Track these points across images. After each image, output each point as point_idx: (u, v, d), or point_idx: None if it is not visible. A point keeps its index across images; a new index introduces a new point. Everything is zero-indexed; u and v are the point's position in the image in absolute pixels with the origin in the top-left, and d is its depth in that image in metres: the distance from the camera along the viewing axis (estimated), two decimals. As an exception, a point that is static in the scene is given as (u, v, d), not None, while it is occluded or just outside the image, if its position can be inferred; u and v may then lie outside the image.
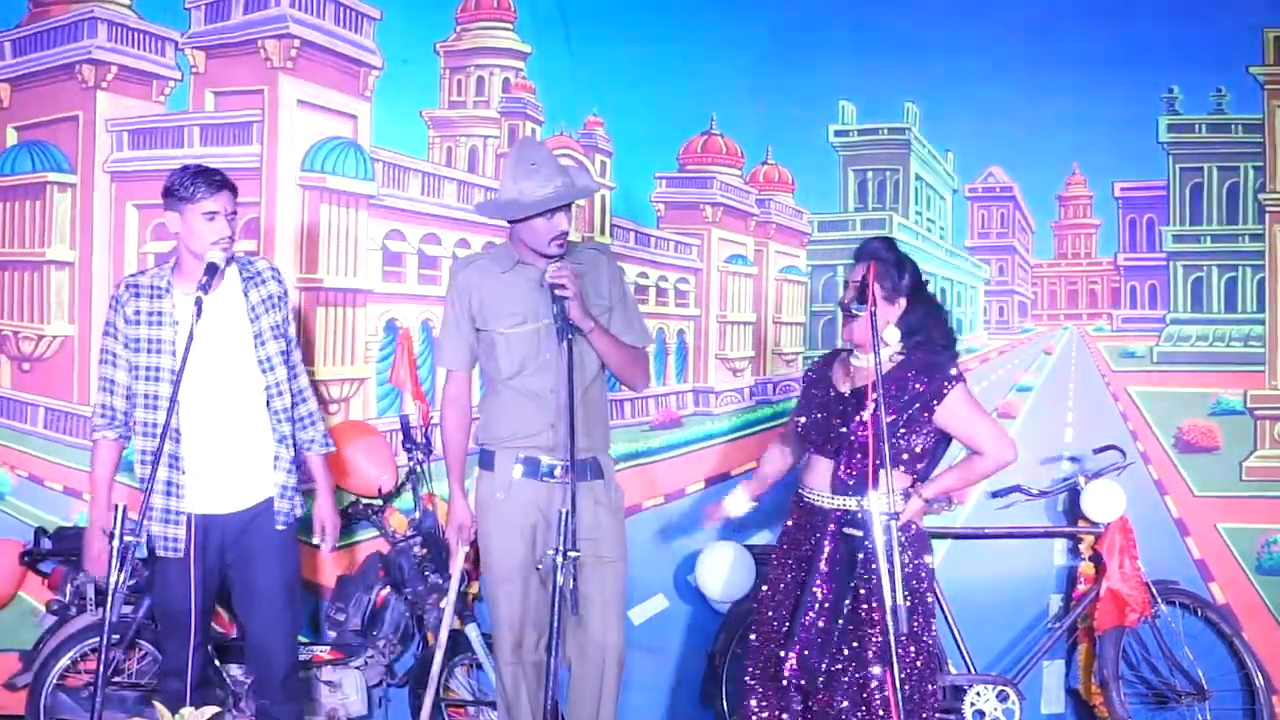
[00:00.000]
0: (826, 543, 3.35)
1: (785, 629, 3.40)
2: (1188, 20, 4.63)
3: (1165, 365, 4.73)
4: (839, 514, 3.37)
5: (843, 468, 3.35)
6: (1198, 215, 4.76)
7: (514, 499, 3.53)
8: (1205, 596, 4.50)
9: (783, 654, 3.35)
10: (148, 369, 3.49)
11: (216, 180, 3.42)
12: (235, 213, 3.47)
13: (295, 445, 3.65)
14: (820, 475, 3.45)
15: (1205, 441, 4.67)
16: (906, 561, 3.32)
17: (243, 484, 3.55)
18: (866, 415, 3.28)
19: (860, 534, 3.28)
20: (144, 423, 3.50)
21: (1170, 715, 4.41)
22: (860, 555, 3.27)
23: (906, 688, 3.25)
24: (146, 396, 3.49)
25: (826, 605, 3.32)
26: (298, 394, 3.67)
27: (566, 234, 3.49)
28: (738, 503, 3.83)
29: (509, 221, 3.55)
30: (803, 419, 3.54)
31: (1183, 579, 4.49)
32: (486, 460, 3.61)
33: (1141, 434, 4.69)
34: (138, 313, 3.50)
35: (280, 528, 3.57)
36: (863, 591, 3.29)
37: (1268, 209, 4.71)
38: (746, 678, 3.52)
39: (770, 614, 3.48)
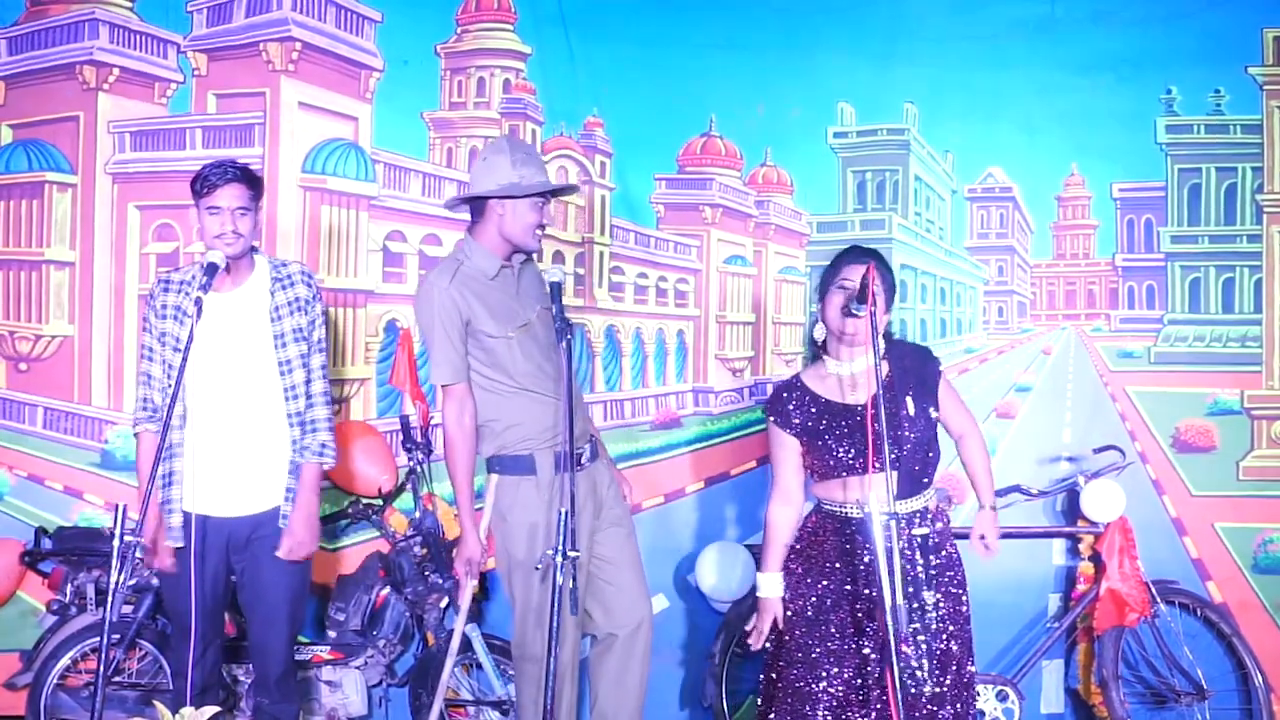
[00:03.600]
0: (906, 549, 3.21)
1: (834, 649, 3.25)
2: (1186, 21, 4.64)
3: (1163, 365, 4.75)
4: (907, 517, 3.26)
5: (913, 468, 3.25)
6: (1195, 216, 4.77)
7: (551, 494, 3.49)
8: (1204, 596, 4.51)
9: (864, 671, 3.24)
10: (166, 364, 3.49)
11: (227, 174, 3.38)
12: (248, 209, 3.42)
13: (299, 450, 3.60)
14: (867, 490, 3.23)
15: (1202, 441, 4.69)
16: (954, 552, 3.33)
17: (253, 487, 3.51)
18: (911, 409, 3.26)
19: (940, 527, 3.30)
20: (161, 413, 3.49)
21: (1169, 715, 4.41)
22: (932, 553, 3.25)
23: (953, 676, 3.24)
24: (164, 392, 3.48)
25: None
26: (309, 398, 3.58)
27: (545, 229, 3.59)
28: (773, 585, 3.38)
29: (471, 212, 3.56)
30: (829, 457, 3.30)
31: (1180, 578, 4.50)
32: (523, 466, 3.51)
33: (1139, 434, 4.70)
34: (165, 306, 3.50)
35: None
36: (949, 587, 3.28)
37: (1265, 210, 4.73)
38: (775, 700, 3.35)
39: (807, 631, 3.30)
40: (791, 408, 3.36)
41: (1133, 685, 4.46)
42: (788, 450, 3.39)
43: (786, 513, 3.42)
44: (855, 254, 3.37)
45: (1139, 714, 4.43)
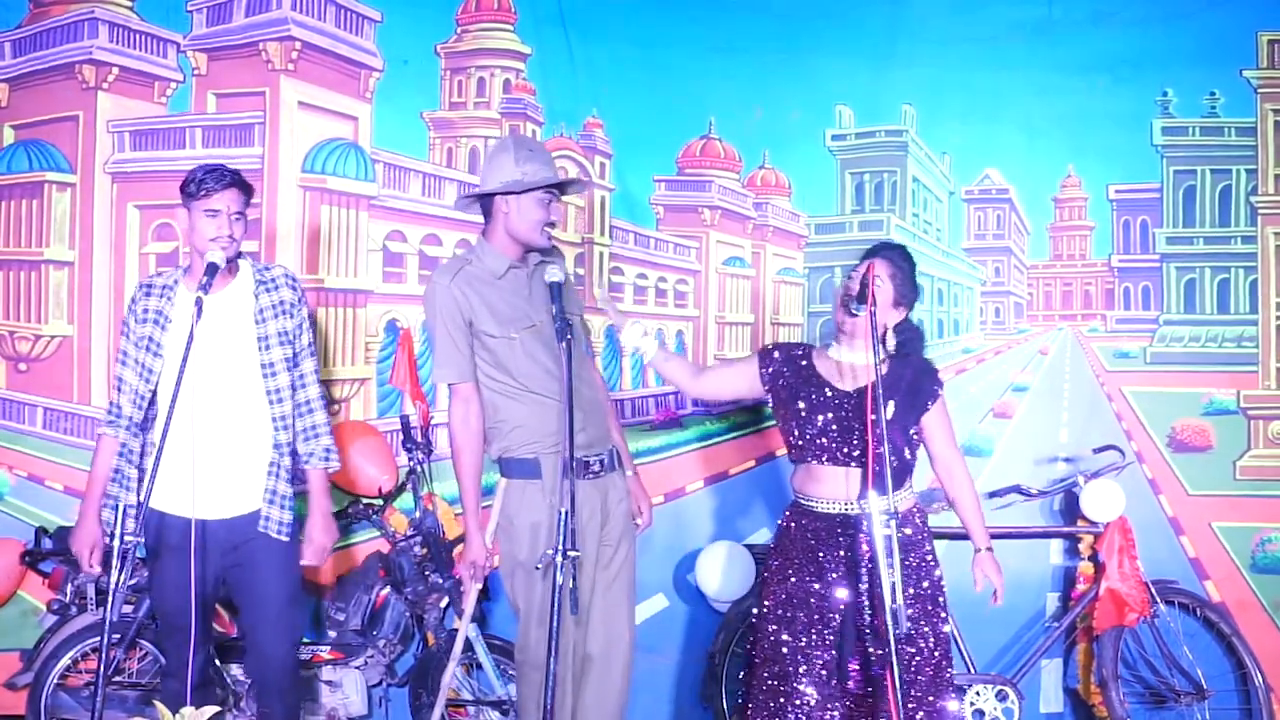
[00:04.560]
0: (864, 546, 3.26)
1: (810, 642, 3.29)
2: (1182, 22, 4.68)
3: (1159, 365, 4.78)
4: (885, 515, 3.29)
5: (888, 469, 3.19)
6: (1190, 217, 4.80)
7: (556, 498, 3.42)
8: (1202, 595, 4.53)
9: (835, 664, 3.28)
10: (143, 367, 3.45)
11: (225, 178, 3.37)
12: (242, 214, 3.41)
13: (295, 455, 3.57)
14: (840, 484, 3.32)
15: (1199, 441, 4.71)
16: (929, 551, 3.36)
17: (239, 489, 3.47)
18: (889, 413, 3.26)
19: (910, 532, 3.32)
20: (132, 420, 3.47)
21: (1169, 715, 4.42)
22: (899, 554, 3.25)
23: (925, 674, 3.27)
24: (137, 395, 3.46)
25: (873, 605, 3.26)
26: (304, 404, 3.56)
27: (555, 225, 3.51)
28: (634, 335, 3.56)
29: (483, 213, 3.53)
30: (803, 428, 3.35)
31: (1178, 577, 4.51)
32: (529, 469, 3.49)
33: (1135, 434, 4.72)
34: (146, 310, 3.47)
35: (282, 538, 3.49)
36: (917, 588, 3.31)
37: (1260, 211, 4.76)
38: (752, 698, 3.39)
39: (778, 629, 3.33)
40: (780, 357, 3.47)
41: (1132, 685, 4.46)
42: (743, 373, 3.54)
43: (687, 377, 3.67)
44: (875, 252, 3.39)
45: (1139, 714, 4.43)
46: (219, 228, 3.36)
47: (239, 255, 3.53)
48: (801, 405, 3.36)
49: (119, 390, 3.51)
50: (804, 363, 3.44)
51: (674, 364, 3.71)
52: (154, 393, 3.43)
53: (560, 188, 3.53)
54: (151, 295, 3.49)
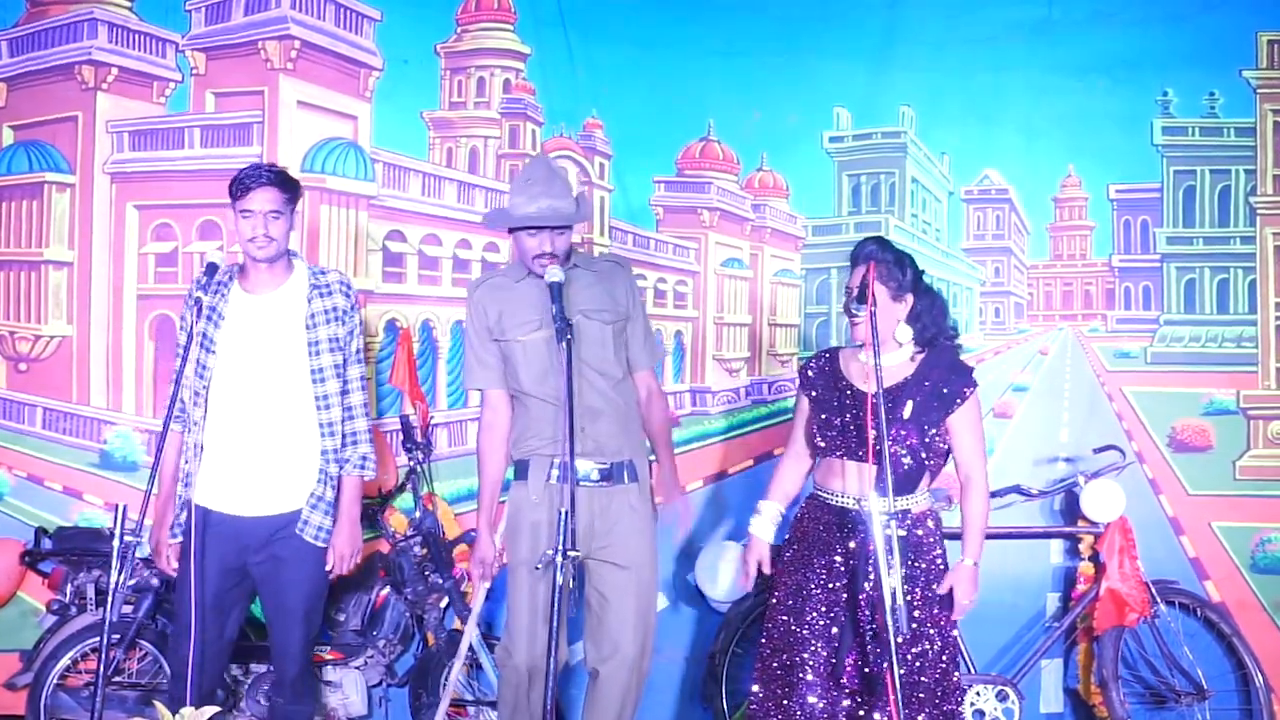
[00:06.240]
0: (871, 544, 3.23)
1: (815, 633, 3.31)
2: (1181, 23, 4.68)
3: (1159, 365, 4.77)
4: (886, 515, 3.23)
5: (889, 471, 3.18)
6: (1190, 218, 4.80)
7: (547, 503, 3.47)
8: (1202, 595, 4.53)
9: (831, 658, 3.29)
10: (197, 363, 3.45)
11: (260, 178, 3.40)
12: (281, 212, 3.42)
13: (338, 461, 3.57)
14: (854, 479, 3.33)
15: (1199, 441, 4.71)
16: (940, 555, 3.36)
17: (273, 489, 3.48)
18: (907, 412, 3.28)
19: (922, 534, 3.34)
20: (193, 419, 3.48)
21: (1169, 715, 4.41)
22: (911, 555, 3.28)
23: (930, 676, 3.26)
24: (195, 393, 3.46)
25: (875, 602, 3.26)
26: (346, 409, 3.57)
27: (551, 255, 3.42)
28: (764, 524, 3.53)
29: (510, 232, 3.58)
30: (825, 430, 3.38)
31: (1178, 577, 4.51)
32: (520, 470, 3.57)
33: (1136, 434, 4.72)
34: (201, 306, 3.48)
35: (319, 544, 3.51)
36: (925, 591, 3.31)
37: (1259, 212, 4.76)
38: (756, 686, 3.41)
39: (787, 619, 3.35)
40: (813, 374, 3.51)
41: (1132, 685, 4.46)
42: (802, 412, 3.54)
43: (793, 465, 3.60)
44: (856, 254, 3.37)
45: (1139, 714, 4.43)
46: (253, 228, 3.40)
47: (293, 255, 3.56)
48: (828, 410, 3.42)
49: (179, 385, 3.48)
50: (833, 367, 3.48)
51: (791, 489, 3.61)
52: (207, 389, 3.46)
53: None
54: (208, 292, 3.48)
